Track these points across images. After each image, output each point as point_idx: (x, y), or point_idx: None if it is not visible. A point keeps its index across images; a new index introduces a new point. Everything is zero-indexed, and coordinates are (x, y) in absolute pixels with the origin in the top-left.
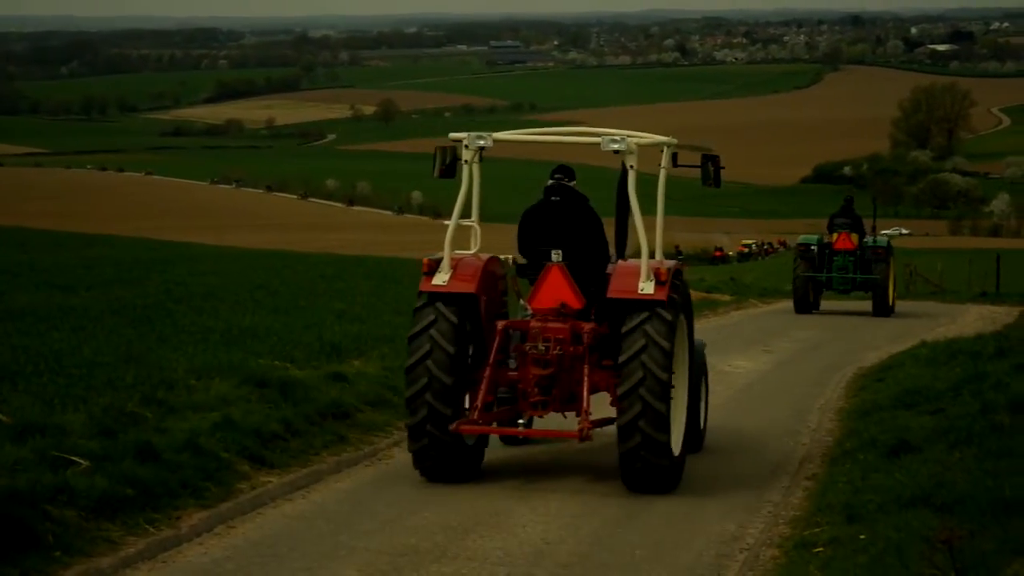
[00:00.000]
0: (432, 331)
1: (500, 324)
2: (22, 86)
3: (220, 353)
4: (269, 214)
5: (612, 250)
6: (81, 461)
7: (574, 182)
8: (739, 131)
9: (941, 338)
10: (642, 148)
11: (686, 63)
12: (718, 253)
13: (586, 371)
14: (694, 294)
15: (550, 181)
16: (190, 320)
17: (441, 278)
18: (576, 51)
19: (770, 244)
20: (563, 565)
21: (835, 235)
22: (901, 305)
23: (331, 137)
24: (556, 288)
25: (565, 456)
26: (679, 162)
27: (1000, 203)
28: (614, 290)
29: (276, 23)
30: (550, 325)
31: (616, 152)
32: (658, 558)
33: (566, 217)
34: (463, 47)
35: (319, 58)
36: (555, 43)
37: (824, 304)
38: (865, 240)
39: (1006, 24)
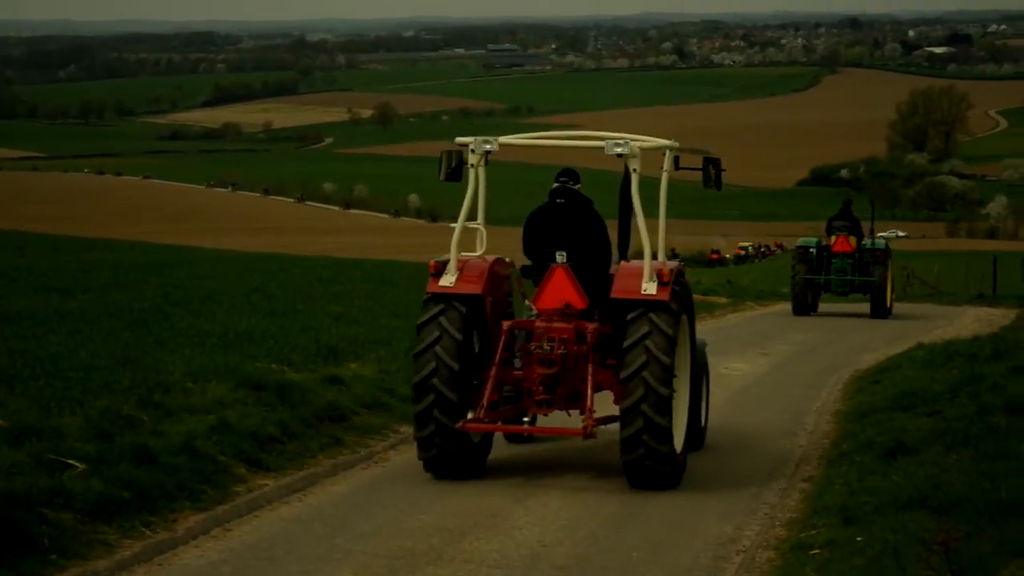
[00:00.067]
0: (439, 331)
1: (506, 324)
2: (20, 90)
3: (217, 356)
4: (266, 217)
5: (615, 252)
6: (77, 464)
7: (579, 185)
8: (737, 134)
9: (938, 340)
10: (645, 152)
11: (684, 66)
12: (715, 256)
13: (590, 370)
14: None
15: (555, 184)
16: (187, 323)
17: (448, 279)
18: (574, 54)
19: (767, 246)
20: (560, 567)
21: (833, 238)
22: (898, 307)
23: (328, 140)
24: (561, 289)
25: (566, 454)
26: (681, 165)
27: (997, 205)
28: (617, 290)
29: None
30: (555, 325)
31: (620, 156)
32: (655, 560)
33: (571, 219)
34: (461, 51)
35: (316, 62)
36: (553, 46)
37: (822, 306)
38: (863, 243)
39: (1004, 27)
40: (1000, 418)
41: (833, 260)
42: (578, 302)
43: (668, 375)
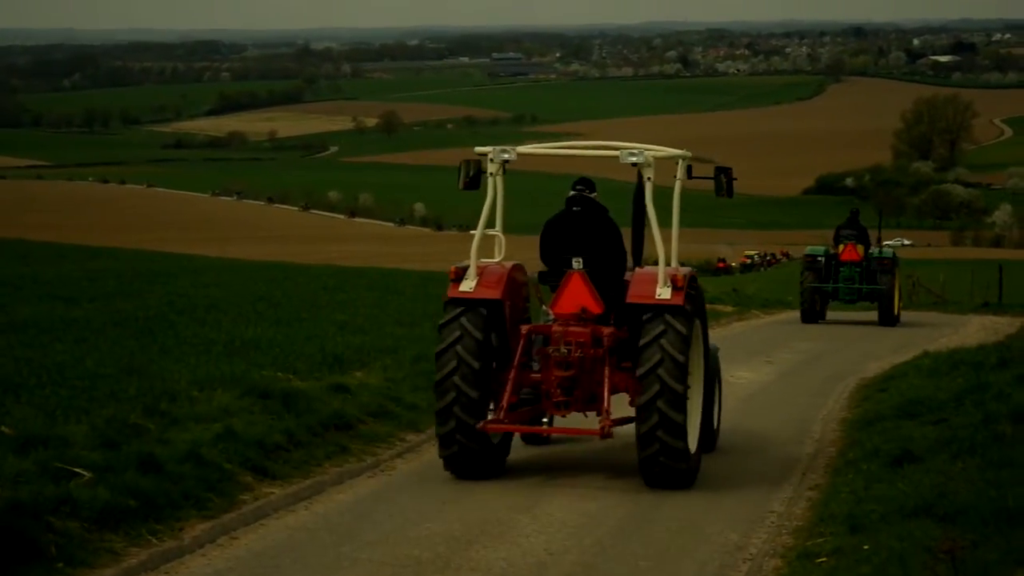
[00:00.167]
0: (460, 335)
1: (524, 328)
2: (24, 99)
3: (222, 364)
4: (270, 226)
5: (629, 258)
6: (84, 473)
7: (595, 194)
8: (742, 142)
9: (943, 349)
10: (658, 161)
11: (688, 75)
12: (721, 264)
13: (606, 373)
14: None
15: (572, 192)
16: (192, 332)
17: (468, 285)
18: (578, 63)
19: (773, 255)
20: None
21: (841, 246)
22: (904, 315)
23: (333, 149)
24: (577, 294)
25: (578, 458)
26: (693, 174)
27: (1002, 214)
28: (633, 295)
29: (278, 36)
30: (571, 329)
31: (634, 165)
32: (661, 568)
33: (587, 227)
34: (465, 59)
35: (321, 70)
36: (557, 55)
37: (830, 314)
38: (871, 251)
39: (1008, 35)
40: (1006, 426)
41: (841, 268)
42: (594, 307)
43: (682, 372)
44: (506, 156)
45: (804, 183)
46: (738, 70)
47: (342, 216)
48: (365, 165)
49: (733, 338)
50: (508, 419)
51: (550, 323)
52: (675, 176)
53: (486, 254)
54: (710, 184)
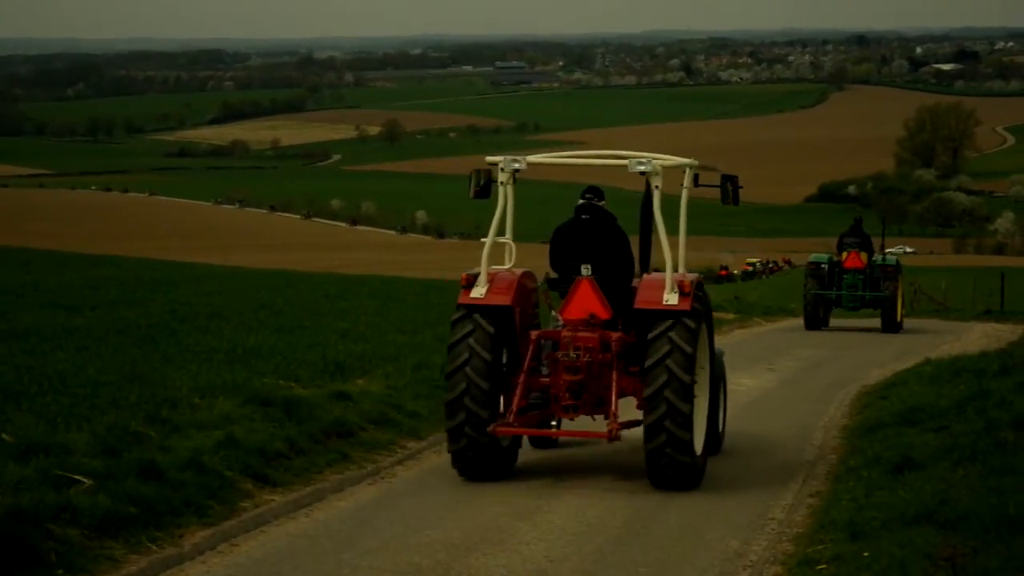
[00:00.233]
0: (470, 340)
1: (533, 334)
2: (27, 108)
3: (224, 372)
4: (272, 234)
5: (636, 265)
6: (84, 480)
7: (603, 202)
8: (744, 150)
9: (945, 356)
10: (665, 169)
11: (691, 83)
12: (723, 272)
13: (614, 377)
14: None
15: (581, 201)
16: (194, 340)
17: (479, 291)
18: (581, 71)
19: (775, 262)
20: None
21: (845, 254)
22: (906, 323)
23: (336, 157)
24: (586, 300)
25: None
26: (700, 182)
27: (1005, 221)
28: (641, 301)
29: (281, 44)
30: (580, 334)
31: (643, 173)
32: (662, 575)
33: (595, 234)
34: (468, 68)
35: (324, 79)
36: (560, 64)
37: (833, 321)
38: (874, 259)
39: (1011, 43)
40: (1007, 433)
41: (844, 276)
42: (602, 312)
43: (690, 363)
44: (517, 165)
45: (806, 191)
46: (741, 78)
47: (344, 224)
48: (367, 173)
49: (735, 345)
50: (518, 422)
51: (559, 328)
52: (682, 184)
53: (496, 261)
54: (714, 192)
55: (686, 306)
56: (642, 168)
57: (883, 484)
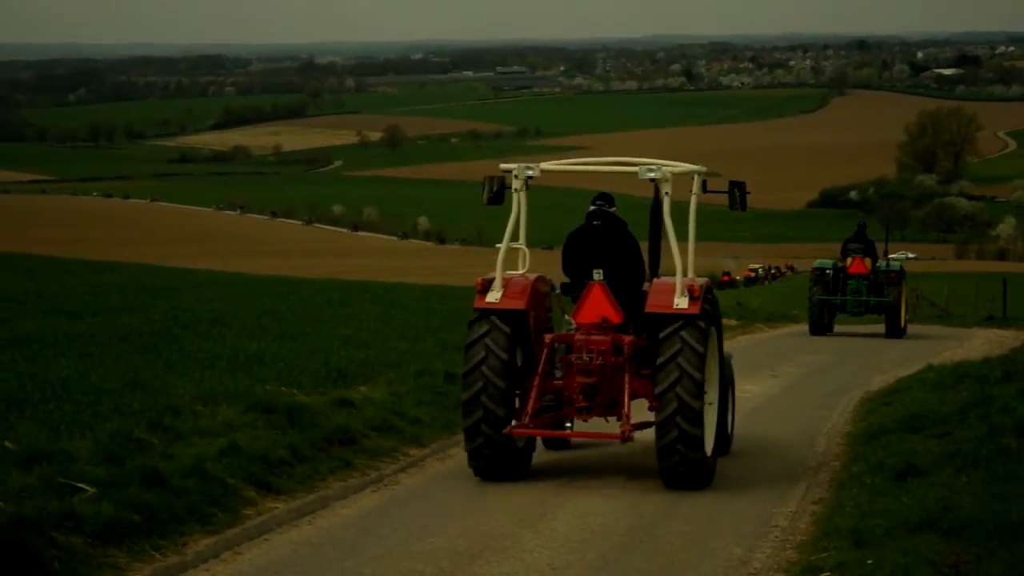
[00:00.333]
0: (487, 339)
1: (547, 337)
2: (28, 114)
3: (227, 379)
4: (274, 240)
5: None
6: (87, 488)
7: (614, 208)
8: (745, 156)
9: (948, 362)
10: (674, 176)
11: (692, 88)
12: (725, 278)
13: (627, 379)
14: None
15: (592, 207)
16: (197, 346)
17: (494, 296)
18: (582, 77)
19: (777, 268)
20: None
21: (849, 259)
22: (909, 328)
23: (337, 163)
24: (598, 304)
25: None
26: (708, 188)
27: (1006, 227)
28: (652, 305)
29: (282, 50)
30: (593, 338)
31: (652, 180)
32: None
33: (607, 240)
34: (469, 73)
35: (325, 84)
36: (561, 69)
37: (838, 327)
38: (878, 264)
39: (1012, 48)
40: (1010, 440)
41: (849, 281)
42: (614, 316)
43: (699, 389)
44: (530, 172)
45: (808, 196)
46: (742, 83)
47: (345, 230)
48: (369, 179)
49: (738, 352)
50: (533, 424)
51: (572, 332)
52: (691, 191)
53: (510, 266)
54: (716, 198)
55: (696, 310)
56: (652, 175)
57: (886, 491)
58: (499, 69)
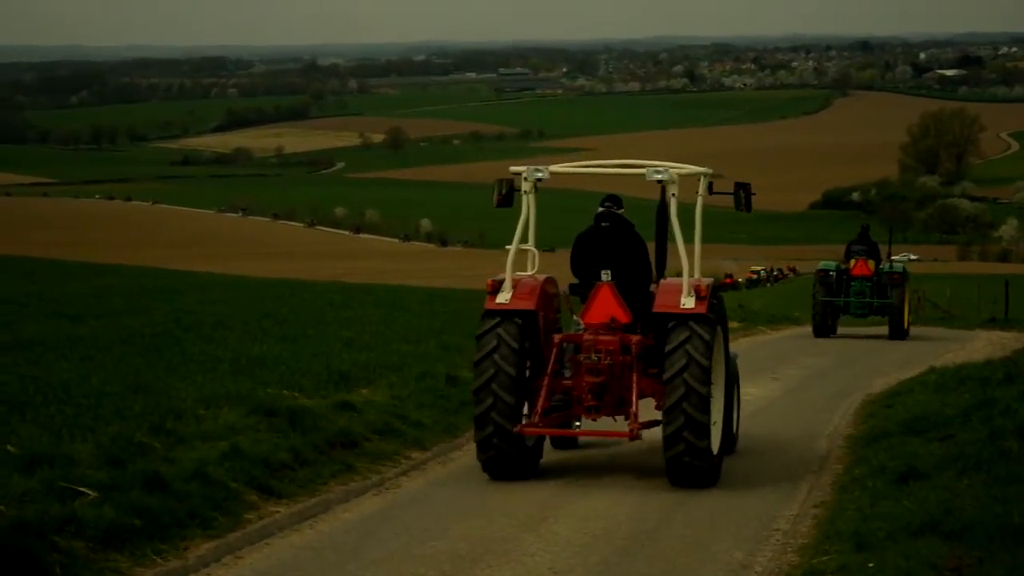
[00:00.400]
0: (499, 331)
1: (556, 337)
2: (31, 116)
3: (228, 382)
4: (276, 242)
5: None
6: (89, 492)
7: (622, 210)
8: (748, 157)
9: (950, 364)
10: (681, 177)
11: (695, 89)
12: (727, 280)
13: (635, 379)
14: None
15: (600, 209)
16: (199, 349)
17: (504, 296)
18: (585, 78)
19: (779, 270)
20: None
21: (853, 261)
22: (911, 330)
23: (340, 165)
24: (606, 305)
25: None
26: (714, 190)
27: (1009, 228)
28: (659, 305)
29: (285, 52)
30: (601, 338)
31: (659, 182)
32: None
33: (615, 241)
34: (472, 75)
35: (328, 86)
36: (563, 70)
37: (841, 328)
38: (881, 266)
39: (1015, 49)
40: (1012, 442)
41: (852, 283)
42: (622, 317)
43: (706, 375)
44: (539, 175)
45: (810, 198)
46: (744, 84)
47: (348, 232)
48: (371, 181)
49: (740, 354)
50: (542, 423)
51: (581, 332)
52: (697, 192)
53: (519, 268)
54: (719, 199)
55: (702, 309)
56: (659, 177)
57: (888, 494)
58: (501, 70)
